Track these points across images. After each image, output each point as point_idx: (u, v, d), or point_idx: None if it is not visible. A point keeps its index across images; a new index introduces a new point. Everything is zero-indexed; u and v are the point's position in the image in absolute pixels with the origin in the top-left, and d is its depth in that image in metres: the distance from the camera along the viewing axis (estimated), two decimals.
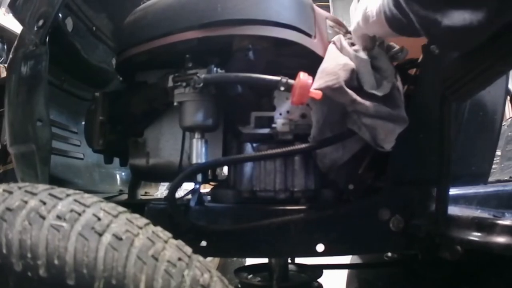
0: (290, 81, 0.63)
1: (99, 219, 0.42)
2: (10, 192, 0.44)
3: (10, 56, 0.81)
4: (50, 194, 0.45)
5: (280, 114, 0.75)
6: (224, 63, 0.72)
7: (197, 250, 0.48)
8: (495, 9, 0.29)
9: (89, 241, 0.40)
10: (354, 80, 0.62)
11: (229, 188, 0.77)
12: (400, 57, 0.69)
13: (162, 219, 0.67)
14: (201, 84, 0.68)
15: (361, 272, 1.27)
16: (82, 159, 1.03)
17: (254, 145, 0.77)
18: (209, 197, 0.82)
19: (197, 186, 0.73)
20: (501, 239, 0.49)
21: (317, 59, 0.68)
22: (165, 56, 0.76)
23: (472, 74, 0.46)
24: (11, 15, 1.83)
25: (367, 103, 0.60)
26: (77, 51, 0.96)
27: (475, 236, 0.52)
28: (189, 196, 0.72)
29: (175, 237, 0.47)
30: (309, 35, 0.71)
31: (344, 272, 1.34)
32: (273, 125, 0.74)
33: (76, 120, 1.06)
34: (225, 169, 0.86)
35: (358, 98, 0.60)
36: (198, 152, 0.71)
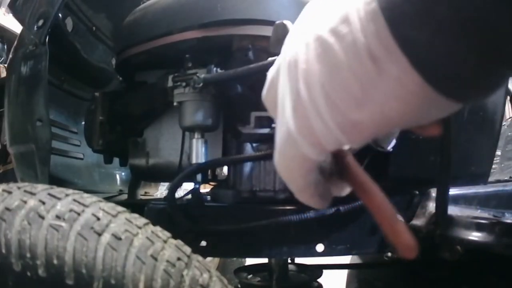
0: None
1: (98, 219, 0.42)
2: (9, 192, 0.44)
3: (10, 56, 0.81)
4: (49, 194, 0.45)
5: None
6: (224, 63, 0.72)
7: (197, 250, 0.48)
8: None
9: (88, 241, 0.40)
10: None
11: (229, 188, 0.76)
12: None
13: (161, 219, 0.67)
14: (201, 84, 0.68)
15: (361, 272, 1.27)
16: (82, 159, 1.03)
17: (254, 145, 0.77)
18: (209, 197, 0.82)
19: (197, 186, 0.73)
20: (501, 239, 0.49)
21: None
22: (165, 56, 0.76)
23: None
24: (11, 15, 1.83)
25: None
26: (77, 51, 0.96)
27: (475, 236, 0.52)
28: (189, 196, 0.72)
29: (175, 237, 0.47)
30: None
31: (344, 272, 1.34)
32: (273, 125, 0.74)
33: (76, 120, 1.06)
34: (225, 169, 0.86)
35: None
36: (198, 152, 0.71)
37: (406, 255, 0.26)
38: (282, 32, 0.45)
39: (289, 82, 0.26)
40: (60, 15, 0.85)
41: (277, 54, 0.46)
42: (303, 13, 0.28)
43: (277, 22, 0.45)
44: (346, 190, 0.32)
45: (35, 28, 0.76)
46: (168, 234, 0.47)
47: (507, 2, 0.17)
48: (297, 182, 0.30)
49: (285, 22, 0.45)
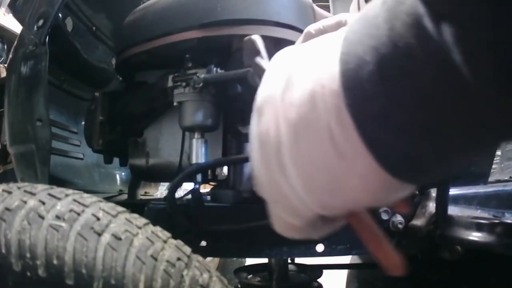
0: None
1: (98, 219, 0.42)
2: (9, 192, 0.44)
3: (10, 56, 0.81)
4: (49, 194, 0.45)
5: None
6: (224, 63, 0.72)
7: (197, 250, 0.48)
8: None
9: (88, 241, 0.40)
10: None
11: (229, 188, 0.76)
12: None
13: (161, 219, 0.67)
14: (201, 84, 0.68)
15: (361, 272, 1.27)
16: (82, 159, 1.03)
17: None
18: (209, 197, 0.82)
19: (197, 186, 0.73)
20: (501, 239, 0.49)
21: None
22: (165, 56, 0.76)
23: None
24: (11, 15, 1.83)
25: None
26: (77, 51, 0.96)
27: (475, 236, 0.52)
28: (189, 196, 0.72)
29: (175, 237, 0.47)
30: None
31: (344, 272, 1.34)
32: None
33: (76, 120, 1.06)
34: (225, 169, 0.85)
35: None
36: (198, 152, 0.71)
37: (394, 273, 0.27)
38: (251, 48, 0.46)
39: (264, 160, 0.26)
40: (60, 15, 0.84)
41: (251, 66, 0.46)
42: (271, 73, 0.27)
43: (245, 38, 0.46)
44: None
45: (35, 28, 0.76)
46: (168, 234, 0.47)
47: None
48: (296, 237, 0.31)
49: (253, 37, 0.46)
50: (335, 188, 0.24)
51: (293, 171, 0.24)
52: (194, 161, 0.71)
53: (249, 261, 1.14)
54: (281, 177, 0.25)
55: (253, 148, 0.27)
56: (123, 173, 1.19)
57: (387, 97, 0.20)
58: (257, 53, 0.45)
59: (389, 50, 0.19)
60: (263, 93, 0.27)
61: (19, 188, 0.45)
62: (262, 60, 0.44)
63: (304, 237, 0.31)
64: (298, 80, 0.24)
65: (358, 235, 0.30)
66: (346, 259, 1.22)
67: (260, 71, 0.43)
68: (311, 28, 0.44)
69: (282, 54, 0.28)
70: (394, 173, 0.22)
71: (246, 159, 0.74)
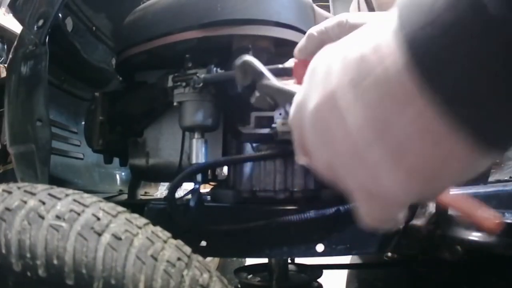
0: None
1: (98, 219, 0.42)
2: (9, 192, 0.44)
3: (10, 56, 0.81)
4: (49, 194, 0.45)
5: (280, 114, 0.75)
6: (224, 63, 0.72)
7: (197, 250, 0.48)
8: None
9: (88, 241, 0.40)
10: None
11: (229, 188, 0.76)
12: None
13: (161, 219, 0.67)
14: (201, 84, 0.68)
15: (361, 272, 1.27)
16: (82, 159, 1.03)
17: (254, 145, 0.77)
18: (209, 197, 0.82)
19: (197, 186, 0.73)
20: (501, 239, 0.49)
21: None
22: (165, 56, 0.76)
23: None
24: (11, 15, 1.83)
25: None
26: (77, 51, 0.96)
27: (475, 236, 0.52)
28: (189, 196, 0.72)
29: (175, 237, 0.47)
30: None
31: (344, 272, 1.34)
32: (273, 125, 0.74)
33: (76, 120, 1.06)
34: (225, 169, 0.85)
35: None
36: (198, 152, 0.71)
37: (492, 233, 0.32)
38: (249, 70, 0.45)
39: (349, 164, 0.26)
40: (60, 15, 0.84)
41: (246, 87, 0.46)
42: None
43: (238, 62, 0.45)
44: None
45: (35, 28, 0.76)
46: (168, 234, 0.47)
47: None
48: (384, 227, 0.30)
49: (248, 59, 0.45)
50: (433, 176, 0.23)
51: (385, 167, 0.24)
52: (194, 161, 0.71)
53: (249, 261, 1.14)
54: (371, 174, 0.25)
55: (325, 152, 0.27)
56: (123, 173, 1.19)
57: (467, 77, 0.19)
58: (259, 74, 0.44)
59: (458, 33, 0.19)
60: (318, 91, 0.26)
61: (19, 188, 0.45)
62: (269, 81, 0.43)
63: (389, 227, 0.30)
64: (361, 73, 0.23)
65: (451, 208, 0.33)
66: (346, 259, 1.22)
67: (273, 92, 0.42)
68: (313, 30, 0.44)
69: (329, 47, 0.27)
70: (494, 146, 0.21)
71: (246, 159, 0.74)
